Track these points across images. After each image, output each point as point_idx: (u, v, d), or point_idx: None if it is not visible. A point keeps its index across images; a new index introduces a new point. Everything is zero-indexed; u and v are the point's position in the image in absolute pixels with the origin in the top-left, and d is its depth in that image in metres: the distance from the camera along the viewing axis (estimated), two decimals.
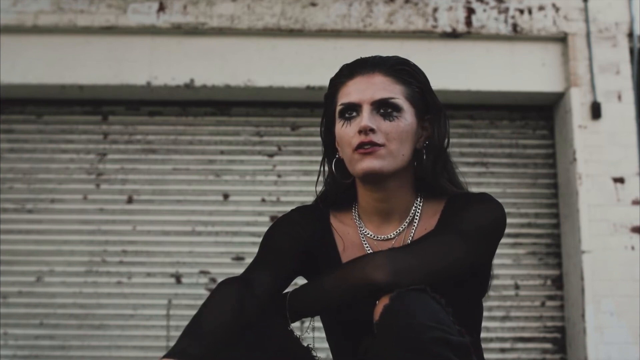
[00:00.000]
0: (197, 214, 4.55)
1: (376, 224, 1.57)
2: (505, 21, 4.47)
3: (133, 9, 4.45)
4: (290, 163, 4.62)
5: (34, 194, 4.56)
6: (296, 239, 1.57)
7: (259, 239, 1.60)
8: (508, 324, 4.42)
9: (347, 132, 1.51)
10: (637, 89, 4.40)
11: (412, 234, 1.54)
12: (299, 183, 4.56)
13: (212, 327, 1.34)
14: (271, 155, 4.65)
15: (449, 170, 1.59)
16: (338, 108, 1.54)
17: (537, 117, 4.70)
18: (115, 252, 4.48)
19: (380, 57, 1.56)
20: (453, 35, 4.47)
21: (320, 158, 1.65)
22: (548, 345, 4.41)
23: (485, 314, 1.91)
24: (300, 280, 1.57)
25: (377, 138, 1.47)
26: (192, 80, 4.43)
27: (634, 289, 4.09)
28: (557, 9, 4.49)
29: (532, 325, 4.43)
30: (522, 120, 4.70)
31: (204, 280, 4.45)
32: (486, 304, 2.03)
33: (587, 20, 4.44)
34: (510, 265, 4.48)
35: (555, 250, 4.51)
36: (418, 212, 1.57)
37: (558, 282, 4.46)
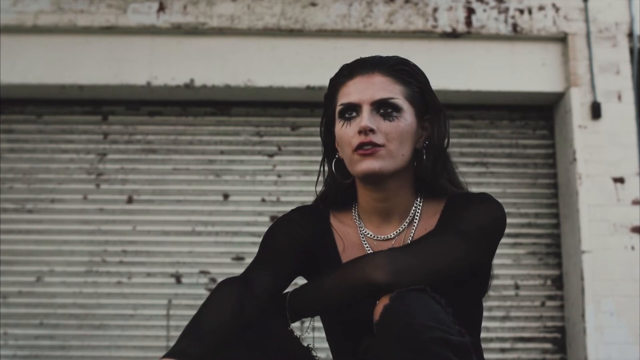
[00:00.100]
0: (197, 214, 4.55)
1: (376, 224, 1.57)
2: (505, 21, 4.47)
3: (133, 9, 4.45)
4: (290, 163, 4.62)
5: (34, 194, 4.56)
6: (296, 239, 1.57)
7: (259, 239, 1.60)
8: (508, 324, 4.43)
9: (347, 133, 1.50)
10: (637, 89, 4.40)
11: (412, 234, 1.54)
12: (299, 183, 4.56)
13: (212, 327, 1.34)
14: (271, 155, 4.65)
15: (449, 170, 1.59)
16: (338, 108, 1.54)
17: (537, 117, 4.70)
18: (115, 252, 4.49)
19: (380, 57, 1.56)
20: (453, 35, 4.47)
21: (320, 158, 1.65)
22: (548, 345, 4.41)
23: (485, 314, 1.91)
24: (300, 280, 1.57)
25: (377, 138, 1.47)
26: (192, 80, 4.43)
27: (634, 289, 4.09)
28: (557, 9, 4.49)
29: (532, 325, 4.43)
30: (522, 120, 4.71)
31: (204, 280, 4.45)
32: (486, 304, 2.03)
33: (587, 20, 4.44)
34: (510, 265, 4.48)
35: (555, 250, 4.51)
36: (418, 212, 1.57)
37: (558, 282, 4.46)
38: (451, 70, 4.39)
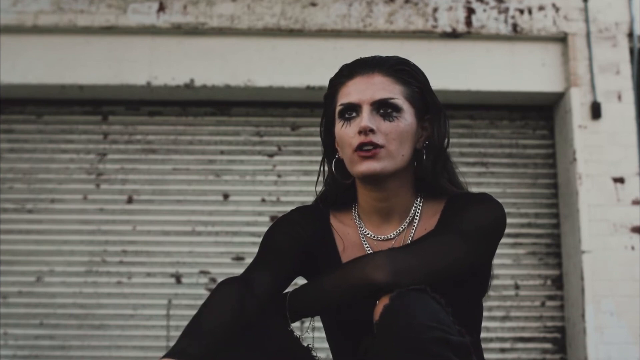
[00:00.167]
0: (197, 214, 4.55)
1: (376, 224, 1.57)
2: (505, 21, 4.47)
3: (133, 9, 4.45)
4: (290, 163, 4.62)
5: (34, 194, 4.56)
6: (296, 239, 1.57)
7: (259, 239, 1.60)
8: (508, 324, 4.43)
9: (347, 133, 1.50)
10: (637, 89, 4.40)
11: (412, 234, 1.54)
12: (299, 183, 4.56)
13: (212, 327, 1.34)
14: (271, 155, 4.65)
15: (449, 170, 1.59)
16: (338, 108, 1.54)
17: (537, 117, 4.70)
18: (115, 252, 4.49)
19: (380, 57, 1.56)
20: (453, 35, 4.47)
21: (320, 158, 1.65)
22: (548, 345, 4.41)
23: (485, 314, 1.91)
24: (300, 280, 1.57)
25: (377, 138, 1.47)
26: (192, 80, 4.43)
27: (634, 289, 4.09)
28: (557, 9, 4.49)
29: (532, 325, 4.43)
30: (522, 120, 4.71)
31: (204, 280, 4.45)
32: (486, 304, 2.03)
33: (587, 20, 4.44)
34: (510, 265, 4.48)
35: (555, 250, 4.51)
36: (418, 212, 1.57)
37: (558, 282, 4.46)
38: (451, 70, 4.39)
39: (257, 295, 1.43)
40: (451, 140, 1.60)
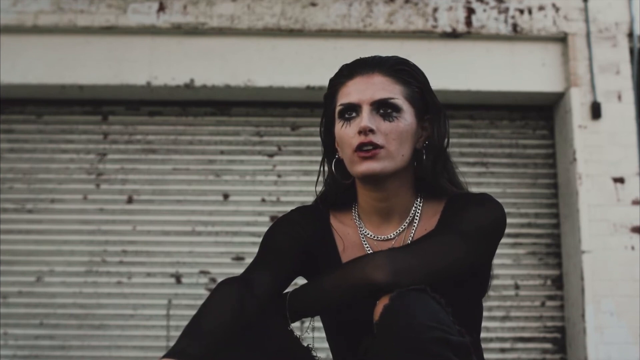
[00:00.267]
0: (197, 214, 4.55)
1: (376, 224, 1.57)
2: (505, 21, 4.47)
3: (133, 9, 4.45)
4: (290, 163, 4.62)
5: (34, 194, 4.56)
6: (296, 239, 1.57)
7: (259, 239, 1.60)
8: (508, 324, 4.42)
9: (346, 133, 1.50)
10: (637, 89, 4.40)
11: (412, 234, 1.54)
12: (299, 183, 4.56)
13: (212, 327, 1.34)
14: (271, 155, 4.65)
15: (449, 170, 1.59)
16: (338, 108, 1.54)
17: (537, 117, 4.70)
18: (115, 252, 4.49)
19: (380, 57, 1.56)
20: (453, 35, 4.47)
21: (320, 158, 1.65)
22: (548, 345, 4.41)
23: (485, 314, 1.91)
24: (300, 280, 1.57)
25: (377, 138, 1.47)
26: (192, 80, 4.43)
27: (634, 289, 4.09)
28: (557, 9, 4.49)
29: (532, 325, 4.43)
30: (522, 120, 4.71)
31: (204, 280, 4.45)
32: (486, 304, 2.03)
33: (587, 20, 4.44)
34: (510, 265, 4.48)
35: (555, 250, 4.51)
36: (418, 212, 1.57)
37: (558, 282, 4.46)
38: (451, 70, 4.39)
39: (257, 295, 1.43)
40: (451, 140, 1.60)
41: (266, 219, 4.48)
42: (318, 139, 1.65)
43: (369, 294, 1.37)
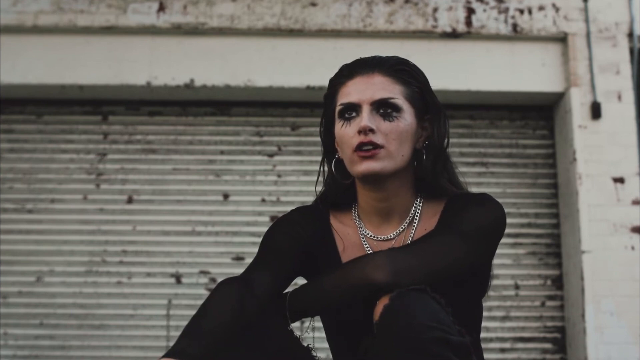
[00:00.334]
0: (197, 214, 4.55)
1: (376, 224, 1.57)
2: (505, 21, 4.47)
3: (133, 9, 4.45)
4: (290, 163, 4.62)
5: (34, 194, 4.56)
6: (296, 239, 1.57)
7: (259, 239, 1.60)
8: (508, 324, 4.42)
9: (346, 133, 1.50)
10: (637, 89, 4.40)
11: (412, 234, 1.54)
12: (299, 183, 4.56)
13: (212, 327, 1.34)
14: (271, 155, 4.65)
15: (448, 170, 1.58)
16: (338, 108, 1.54)
17: (537, 117, 4.70)
18: (115, 252, 4.49)
19: (380, 57, 1.56)
20: (453, 35, 4.47)
21: (320, 158, 1.65)
22: (548, 345, 4.41)
23: (485, 314, 1.91)
24: (300, 280, 1.57)
25: (377, 138, 1.47)
26: (192, 80, 4.43)
27: (634, 289, 4.09)
28: (557, 9, 4.49)
29: (532, 325, 4.43)
30: (522, 120, 4.70)
31: (204, 280, 4.45)
32: (486, 304, 2.03)
33: (587, 20, 4.44)
34: (510, 265, 4.48)
35: (555, 250, 4.51)
36: (418, 213, 1.57)
37: (558, 282, 4.46)
38: (451, 70, 4.39)
39: (257, 295, 1.43)
40: (451, 140, 1.60)
41: (266, 219, 4.48)
42: (318, 139, 1.65)
43: (369, 294, 1.37)
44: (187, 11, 4.46)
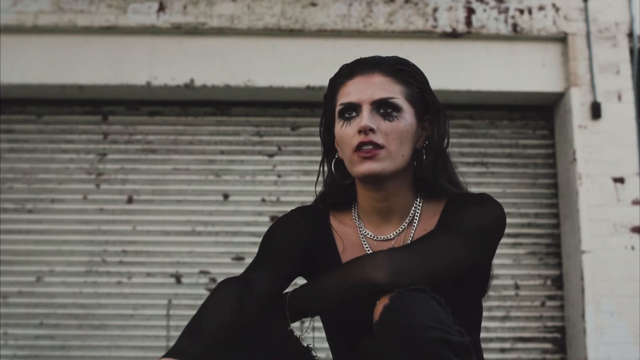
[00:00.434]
0: (197, 214, 4.55)
1: (376, 224, 1.57)
2: (505, 21, 4.47)
3: (133, 9, 4.45)
4: (290, 163, 4.62)
5: (34, 194, 4.56)
6: (296, 239, 1.57)
7: (259, 239, 1.60)
8: (508, 324, 4.42)
9: (346, 132, 1.50)
10: (637, 89, 4.40)
11: (412, 234, 1.54)
12: (299, 183, 4.56)
13: (212, 327, 1.34)
14: (271, 155, 4.65)
15: (448, 170, 1.58)
16: (338, 108, 1.54)
17: (537, 117, 4.70)
18: (115, 252, 4.49)
19: (380, 57, 1.56)
20: (453, 35, 4.47)
21: (320, 158, 1.65)
22: (548, 345, 4.41)
23: (485, 314, 1.91)
24: (300, 280, 1.57)
25: (377, 138, 1.47)
26: (192, 80, 4.43)
27: (634, 289, 4.09)
28: (557, 9, 4.49)
29: (532, 325, 4.43)
30: (522, 120, 4.70)
31: (204, 280, 4.45)
32: (486, 304, 2.03)
33: (587, 20, 4.44)
34: (510, 265, 4.48)
35: (555, 250, 4.51)
36: (418, 213, 1.57)
37: (558, 282, 4.46)
38: (451, 70, 4.39)
39: (257, 295, 1.43)
40: (451, 140, 1.60)
41: (266, 219, 4.48)
42: (318, 139, 1.65)
43: (369, 294, 1.37)
44: (187, 11, 4.46)
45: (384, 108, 1.49)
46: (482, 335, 2.10)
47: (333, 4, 4.48)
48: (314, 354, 1.54)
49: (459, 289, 1.45)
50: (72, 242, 4.49)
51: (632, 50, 4.43)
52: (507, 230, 1.57)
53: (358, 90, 1.51)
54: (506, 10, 4.48)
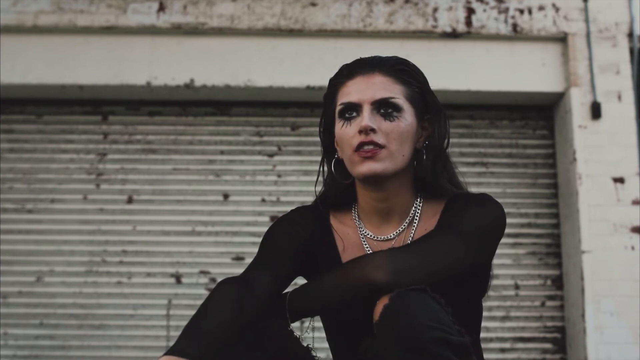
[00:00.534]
0: (197, 214, 4.55)
1: (376, 224, 1.57)
2: (505, 21, 4.47)
3: (133, 9, 4.45)
4: (290, 163, 4.62)
5: (34, 194, 4.56)
6: (296, 239, 1.57)
7: (259, 239, 1.60)
8: (508, 324, 4.42)
9: (347, 132, 1.50)
10: (637, 89, 4.40)
11: (412, 235, 1.54)
12: (299, 183, 4.56)
13: (211, 327, 1.34)
14: (271, 155, 4.65)
15: (448, 170, 1.58)
16: (338, 108, 1.54)
17: (537, 117, 4.70)
18: (115, 252, 4.48)
19: (380, 57, 1.56)
20: (453, 35, 4.47)
21: (320, 158, 1.65)
22: (548, 345, 4.41)
23: (485, 314, 1.91)
24: (300, 280, 1.57)
25: (378, 138, 1.47)
26: (192, 80, 4.43)
27: (634, 289, 4.09)
28: (557, 9, 4.49)
29: (532, 325, 4.43)
30: (522, 120, 4.70)
31: (204, 280, 4.45)
32: (486, 304, 2.03)
33: (587, 20, 4.44)
34: (510, 265, 4.47)
35: (555, 250, 4.51)
36: (418, 213, 1.56)
37: (558, 282, 4.46)
38: (451, 70, 4.39)
39: (256, 295, 1.43)
40: (451, 140, 1.60)
41: (266, 219, 4.48)
42: (318, 139, 1.64)
43: (369, 294, 1.37)
44: (187, 11, 4.46)
45: (385, 108, 1.49)
46: (482, 335, 2.11)
47: (333, 4, 4.48)
48: (314, 354, 1.54)
49: (459, 289, 1.45)
50: (72, 242, 4.49)
51: (632, 50, 4.43)
52: (507, 230, 1.57)
53: (358, 90, 1.51)
54: (506, 10, 4.48)
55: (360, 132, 1.47)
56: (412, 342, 1.24)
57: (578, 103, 4.33)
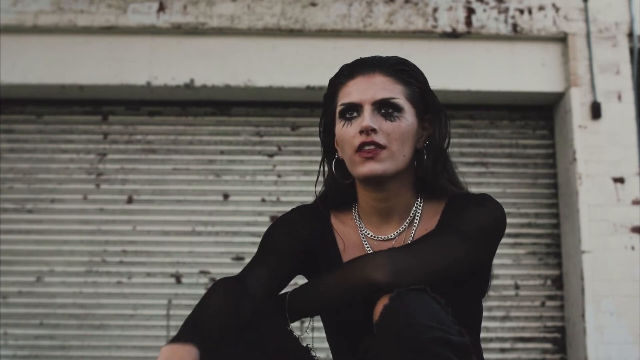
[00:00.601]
0: (197, 214, 4.55)
1: (376, 224, 1.57)
2: (505, 21, 4.47)
3: (133, 9, 4.45)
4: (290, 163, 4.62)
5: (34, 194, 4.56)
6: (295, 238, 1.57)
7: (259, 239, 1.60)
8: (508, 324, 4.42)
9: (347, 133, 1.50)
10: (637, 89, 4.40)
11: (412, 234, 1.54)
12: (299, 183, 4.56)
13: (205, 327, 1.34)
14: (271, 155, 4.65)
15: (449, 170, 1.58)
16: (338, 108, 1.54)
17: (537, 117, 4.70)
18: (115, 252, 4.48)
19: (380, 57, 1.56)
20: (453, 35, 4.47)
21: (320, 158, 1.65)
22: (548, 345, 4.41)
23: (485, 314, 1.91)
24: (300, 280, 1.57)
25: (379, 138, 1.47)
26: (192, 80, 4.43)
27: (634, 289, 4.09)
28: (557, 9, 4.49)
29: (532, 325, 4.43)
30: (522, 120, 4.70)
31: (204, 280, 4.45)
32: (486, 304, 2.03)
33: (587, 20, 4.44)
34: (510, 265, 4.48)
35: (555, 250, 4.51)
36: (418, 213, 1.56)
37: (558, 282, 4.46)
38: (451, 70, 4.39)
39: (251, 294, 1.43)
40: (451, 140, 1.60)
41: (266, 219, 4.48)
42: (318, 139, 1.64)
43: (369, 294, 1.37)
44: (187, 11, 4.46)
45: (386, 108, 1.49)
46: (482, 335, 2.11)
47: (333, 4, 4.48)
48: (314, 354, 1.54)
49: (459, 289, 1.45)
50: (72, 242, 4.49)
51: (632, 50, 4.43)
52: (507, 230, 1.57)
53: (359, 91, 1.51)
54: (506, 10, 4.48)
55: (361, 132, 1.47)
56: (412, 342, 1.24)
57: (578, 103, 4.33)
